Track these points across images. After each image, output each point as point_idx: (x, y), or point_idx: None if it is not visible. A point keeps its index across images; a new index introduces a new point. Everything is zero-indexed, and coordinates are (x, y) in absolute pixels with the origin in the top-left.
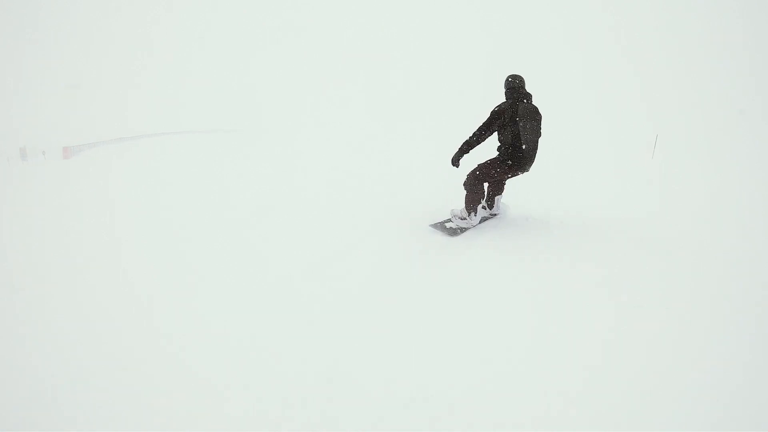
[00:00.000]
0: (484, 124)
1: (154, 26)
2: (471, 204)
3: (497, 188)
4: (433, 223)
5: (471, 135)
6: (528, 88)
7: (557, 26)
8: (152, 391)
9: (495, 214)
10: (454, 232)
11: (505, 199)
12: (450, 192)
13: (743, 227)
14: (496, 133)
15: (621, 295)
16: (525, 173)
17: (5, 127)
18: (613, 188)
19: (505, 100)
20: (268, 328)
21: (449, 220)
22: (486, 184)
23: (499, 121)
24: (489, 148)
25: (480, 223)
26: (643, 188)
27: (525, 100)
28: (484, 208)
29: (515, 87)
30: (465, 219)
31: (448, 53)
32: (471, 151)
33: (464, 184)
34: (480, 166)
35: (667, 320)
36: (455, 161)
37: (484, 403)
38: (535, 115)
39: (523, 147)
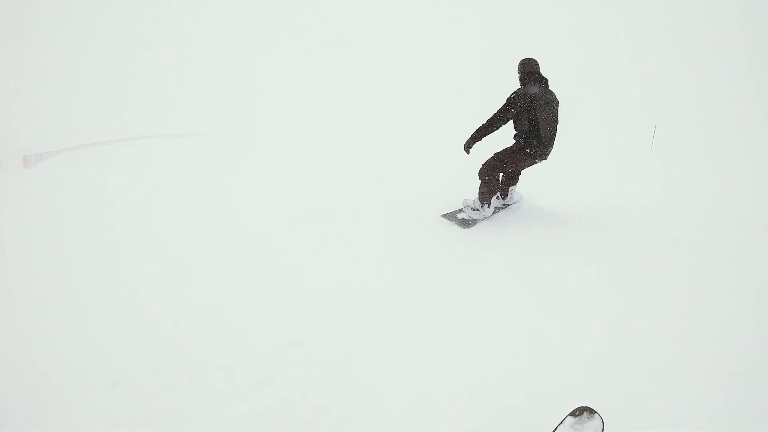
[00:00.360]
0: (499, 111)
1: (154, 26)
2: (485, 195)
3: (512, 178)
4: (444, 213)
5: (485, 121)
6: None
7: (557, 26)
8: (153, 390)
9: (508, 205)
10: (465, 223)
11: (518, 188)
12: (451, 192)
13: (743, 227)
14: (511, 122)
15: (621, 295)
16: (543, 161)
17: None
18: (615, 185)
19: (520, 86)
20: (269, 328)
21: (461, 210)
22: (501, 175)
23: (514, 108)
24: (504, 137)
25: (493, 213)
26: (643, 185)
27: (541, 85)
28: (497, 198)
29: (530, 72)
30: (478, 210)
31: (448, 53)
32: (485, 140)
33: (479, 174)
34: (496, 155)
35: (667, 320)
36: (467, 147)
37: (484, 402)
38: (552, 103)
39: (541, 135)
